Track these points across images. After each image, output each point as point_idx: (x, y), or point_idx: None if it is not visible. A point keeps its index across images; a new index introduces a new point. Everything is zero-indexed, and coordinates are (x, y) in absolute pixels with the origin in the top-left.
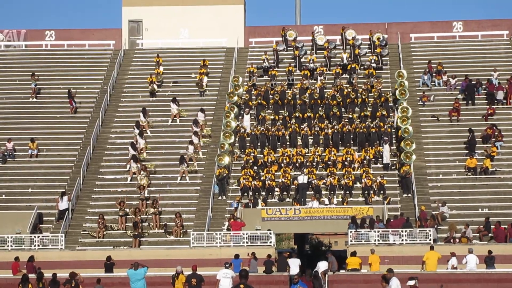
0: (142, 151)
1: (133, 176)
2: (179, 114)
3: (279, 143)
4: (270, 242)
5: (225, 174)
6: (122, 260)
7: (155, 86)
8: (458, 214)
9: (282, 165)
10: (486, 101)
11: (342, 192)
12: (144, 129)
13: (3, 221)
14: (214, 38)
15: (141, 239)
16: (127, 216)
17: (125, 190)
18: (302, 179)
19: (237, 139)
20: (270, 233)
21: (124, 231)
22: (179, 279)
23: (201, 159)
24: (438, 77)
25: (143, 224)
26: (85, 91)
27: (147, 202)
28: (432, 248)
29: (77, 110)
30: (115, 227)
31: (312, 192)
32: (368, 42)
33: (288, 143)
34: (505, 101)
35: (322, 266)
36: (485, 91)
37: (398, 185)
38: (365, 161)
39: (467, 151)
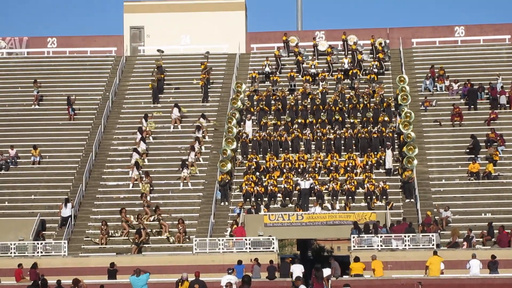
0: (143, 157)
1: (135, 182)
2: (180, 120)
3: (281, 149)
4: (273, 248)
5: (227, 180)
6: (125, 267)
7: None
8: (461, 219)
9: (284, 170)
10: (489, 106)
11: (345, 197)
12: (146, 135)
13: (6, 228)
14: (215, 44)
15: (143, 245)
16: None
17: (127, 196)
18: (304, 184)
19: (239, 145)
20: (273, 239)
21: (127, 238)
22: (183, 286)
23: (202, 165)
24: (440, 82)
25: (145, 230)
26: (87, 97)
27: (150, 208)
28: (435, 253)
29: (76, 117)
30: (116, 234)
31: (315, 198)
32: (370, 47)
33: (290, 148)
34: (508, 105)
35: (325, 272)
36: (487, 96)
37: (400, 190)
38: (367, 166)
39: (470, 156)
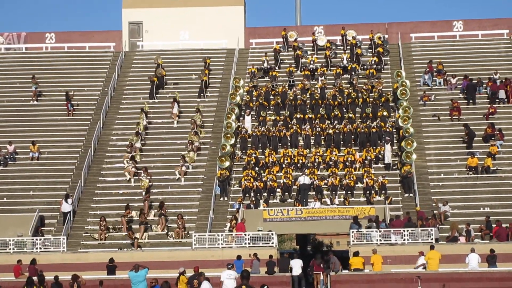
0: (135, 152)
1: (133, 177)
2: (178, 115)
3: (280, 144)
4: (272, 243)
5: (226, 176)
6: (124, 262)
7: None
8: (459, 213)
9: (284, 165)
10: (488, 100)
11: (344, 192)
12: (141, 131)
13: (5, 224)
14: (214, 40)
15: (138, 240)
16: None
17: (126, 192)
18: (304, 179)
19: (238, 140)
20: (272, 234)
21: (126, 233)
22: (180, 280)
23: (201, 160)
24: (439, 77)
25: (147, 226)
26: (86, 93)
27: (151, 204)
28: (432, 247)
29: (75, 112)
30: (116, 230)
31: (314, 193)
32: (369, 42)
33: (289, 143)
34: (506, 100)
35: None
36: (486, 91)
37: (399, 184)
38: (366, 161)
39: (467, 148)
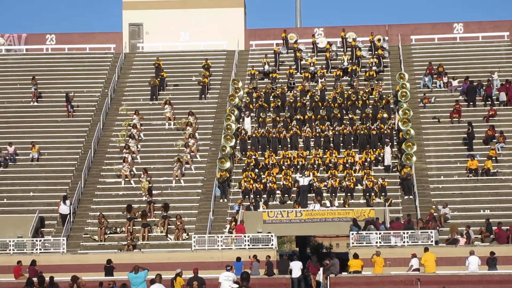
0: (135, 154)
1: (125, 179)
2: (173, 117)
3: (280, 146)
4: (272, 245)
5: (226, 177)
6: (124, 264)
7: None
8: (459, 215)
9: (283, 167)
10: (485, 103)
11: (344, 194)
12: (137, 132)
13: (4, 225)
14: (214, 41)
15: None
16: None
17: (126, 193)
18: (303, 181)
19: (238, 141)
20: (272, 236)
21: (127, 234)
22: (177, 282)
23: (201, 162)
24: (439, 79)
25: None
26: (86, 94)
27: (155, 205)
28: (426, 249)
29: (74, 114)
30: (119, 230)
31: (314, 195)
32: (369, 44)
33: (289, 145)
34: (507, 102)
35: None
36: (483, 93)
37: (399, 187)
38: (366, 163)
39: (467, 148)
